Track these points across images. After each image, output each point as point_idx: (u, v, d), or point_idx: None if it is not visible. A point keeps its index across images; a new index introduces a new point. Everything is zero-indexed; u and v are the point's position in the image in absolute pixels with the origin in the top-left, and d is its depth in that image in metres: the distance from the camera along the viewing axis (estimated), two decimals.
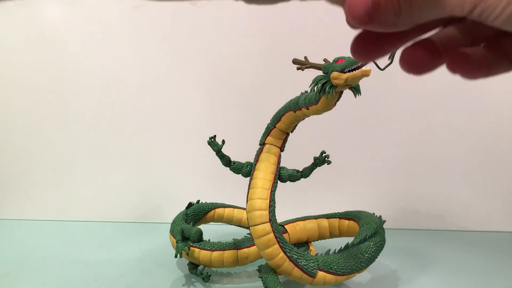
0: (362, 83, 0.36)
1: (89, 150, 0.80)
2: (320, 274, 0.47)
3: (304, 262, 0.47)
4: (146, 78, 0.78)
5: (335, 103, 0.37)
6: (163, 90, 0.78)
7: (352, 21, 0.20)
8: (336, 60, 0.38)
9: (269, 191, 0.48)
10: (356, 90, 0.35)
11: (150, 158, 0.80)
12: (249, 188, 0.49)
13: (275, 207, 0.49)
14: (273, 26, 0.74)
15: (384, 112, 0.75)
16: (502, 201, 0.75)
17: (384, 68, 0.32)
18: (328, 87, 0.34)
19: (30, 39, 0.77)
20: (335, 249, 0.51)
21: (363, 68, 0.31)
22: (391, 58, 0.31)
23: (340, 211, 0.59)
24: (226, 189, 0.68)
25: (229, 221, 0.66)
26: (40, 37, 0.77)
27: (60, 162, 0.81)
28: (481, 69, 0.22)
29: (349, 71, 0.32)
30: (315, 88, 0.40)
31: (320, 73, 0.41)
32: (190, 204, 0.64)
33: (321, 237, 0.58)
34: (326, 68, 0.39)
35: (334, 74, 0.33)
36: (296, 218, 0.59)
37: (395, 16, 0.20)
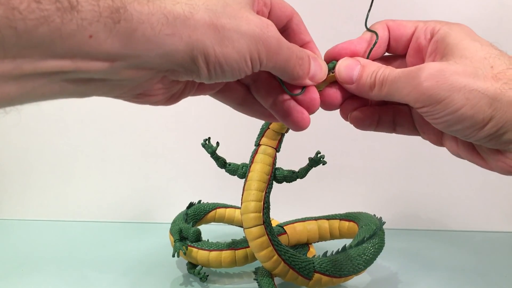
0: None
1: (88, 150, 0.80)
2: (316, 276, 0.47)
3: (299, 264, 0.47)
4: None
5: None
6: None
7: (340, 79, 0.30)
8: None
9: (263, 193, 0.48)
10: None
11: (150, 158, 0.80)
12: (243, 190, 0.49)
13: (269, 209, 0.48)
14: None
15: None
16: (502, 201, 0.74)
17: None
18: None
19: None
20: (333, 251, 0.50)
21: (331, 74, 0.31)
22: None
23: (341, 212, 0.59)
24: (227, 189, 0.68)
25: (230, 222, 0.65)
26: None
27: (60, 162, 0.81)
28: (371, 126, 0.33)
29: None
30: None
31: None
32: (191, 204, 0.64)
33: (321, 238, 0.58)
34: None
35: None
36: (296, 219, 0.59)
37: (369, 90, 0.29)
